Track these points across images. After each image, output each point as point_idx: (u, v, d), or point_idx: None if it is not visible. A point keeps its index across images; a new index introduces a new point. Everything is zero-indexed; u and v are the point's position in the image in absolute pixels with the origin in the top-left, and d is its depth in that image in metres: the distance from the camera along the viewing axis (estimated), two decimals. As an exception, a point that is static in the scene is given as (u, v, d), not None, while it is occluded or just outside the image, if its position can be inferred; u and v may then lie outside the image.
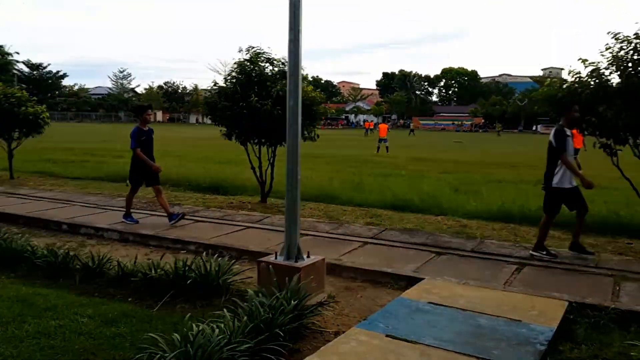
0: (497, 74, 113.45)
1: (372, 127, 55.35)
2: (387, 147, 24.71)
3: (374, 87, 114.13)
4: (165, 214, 7.80)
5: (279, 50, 9.03)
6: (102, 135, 37.34)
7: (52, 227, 7.76)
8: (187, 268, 4.97)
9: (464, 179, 13.50)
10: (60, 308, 4.43)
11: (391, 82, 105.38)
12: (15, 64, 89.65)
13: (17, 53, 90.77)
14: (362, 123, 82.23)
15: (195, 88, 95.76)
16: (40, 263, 5.52)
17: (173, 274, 4.96)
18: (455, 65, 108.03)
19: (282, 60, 8.68)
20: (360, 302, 4.90)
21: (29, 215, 8.14)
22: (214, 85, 8.91)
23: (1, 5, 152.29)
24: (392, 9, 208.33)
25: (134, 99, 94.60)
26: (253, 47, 8.57)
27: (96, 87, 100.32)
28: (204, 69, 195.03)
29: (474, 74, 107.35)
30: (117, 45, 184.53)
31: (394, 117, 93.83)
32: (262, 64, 8.56)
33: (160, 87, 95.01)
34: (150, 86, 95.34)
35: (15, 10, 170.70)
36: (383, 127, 26.86)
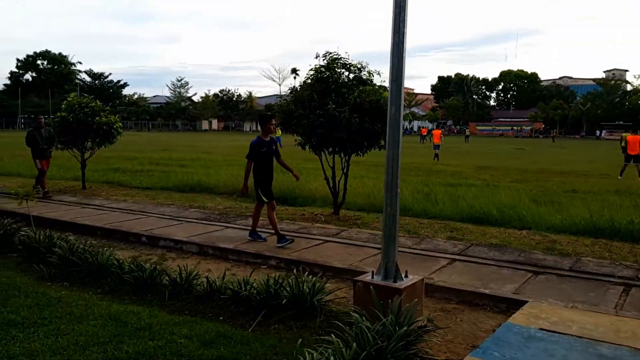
0: (558, 77, 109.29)
1: (425, 133, 54.43)
2: (437, 155, 24.21)
3: (429, 91, 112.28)
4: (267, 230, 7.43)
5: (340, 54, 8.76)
6: (161, 144, 38.45)
7: (131, 240, 7.83)
8: (278, 286, 4.80)
9: (539, 188, 12.85)
10: (155, 327, 4.35)
11: (447, 86, 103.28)
12: (78, 74, 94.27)
13: (80, 63, 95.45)
14: (416, 129, 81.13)
15: (249, 96, 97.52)
16: (128, 278, 5.50)
17: (264, 292, 4.80)
18: (514, 68, 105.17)
19: (359, 66, 8.48)
20: (462, 327, 4.58)
21: (108, 227, 8.26)
22: (291, 92, 8.79)
23: (62, 15, 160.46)
24: (447, 10, 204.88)
25: (190, 107, 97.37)
26: (330, 53, 8.41)
27: (154, 96, 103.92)
28: (258, 76, 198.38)
29: (533, 77, 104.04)
30: (173, 54, 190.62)
31: (449, 122, 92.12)
32: (339, 70, 8.38)
33: (215, 95, 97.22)
34: (206, 94, 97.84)
35: (74, 19, 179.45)
36: (437, 133, 26.24)
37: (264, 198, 7.37)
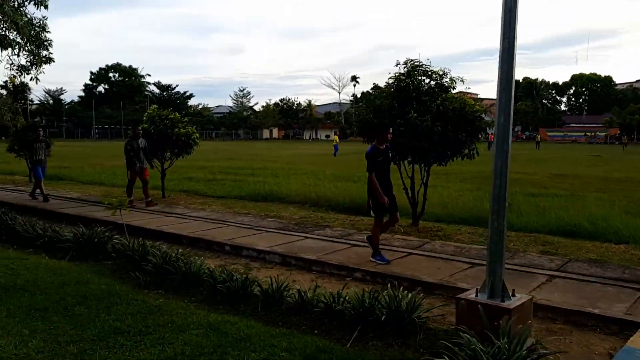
0: (635, 80, 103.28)
1: (493, 140, 52.79)
2: None
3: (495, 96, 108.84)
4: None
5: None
6: (227, 153, 39.39)
7: (215, 248, 7.97)
8: (374, 301, 4.70)
9: (628, 199, 12.08)
10: (254, 339, 4.35)
11: (515, 91, 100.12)
12: (147, 86, 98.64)
13: (149, 75, 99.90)
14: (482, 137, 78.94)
15: (309, 104, 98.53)
16: (221, 288, 5.56)
17: (359, 306, 4.71)
18: (586, 71, 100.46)
19: (440, 73, 8.29)
20: (574, 350, 4.30)
21: (192, 236, 8.46)
22: (370, 99, 8.71)
23: (131, 30, 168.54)
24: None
25: (252, 116, 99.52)
26: (411, 60, 8.27)
27: (218, 106, 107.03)
28: (317, 85, 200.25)
29: (607, 80, 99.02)
30: (236, 64, 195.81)
31: (517, 128, 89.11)
32: (419, 78, 8.22)
33: (276, 104, 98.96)
34: (267, 103, 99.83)
35: (143, 33, 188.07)
36: None
37: (372, 213, 6.93)
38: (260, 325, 4.75)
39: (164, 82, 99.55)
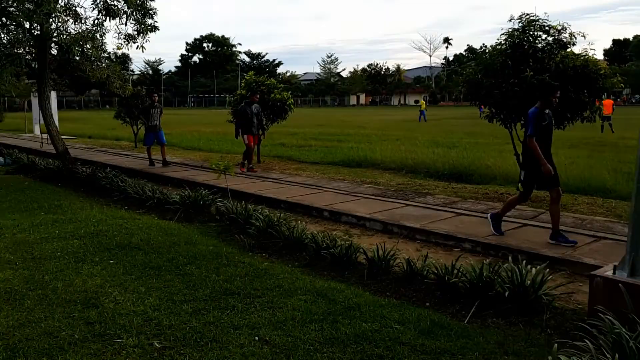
0: None
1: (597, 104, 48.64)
2: (611, 126, 22.26)
3: (601, 56, 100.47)
4: (550, 226, 5.96)
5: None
6: (315, 119, 39.45)
7: (314, 214, 7.91)
8: (493, 275, 4.36)
9: None
10: (363, 308, 4.20)
11: (624, 51, 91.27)
12: (238, 55, 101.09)
13: (240, 44, 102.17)
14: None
15: (398, 69, 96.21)
16: (325, 254, 5.46)
17: (475, 280, 4.39)
18: None
19: (559, 28, 7.49)
20: None
21: (290, 201, 8.45)
22: (481, 57, 8.09)
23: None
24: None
25: (339, 82, 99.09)
26: (527, 15, 7.53)
27: (305, 74, 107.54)
28: (406, 49, 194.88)
29: None
30: (323, 31, 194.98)
31: (626, 91, 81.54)
32: (536, 33, 7.47)
33: (363, 69, 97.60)
34: (354, 69, 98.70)
35: (234, 3, 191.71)
36: (608, 103, 22.97)
37: (519, 187, 6.14)
38: (368, 295, 4.59)
39: (254, 50, 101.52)
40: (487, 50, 8.03)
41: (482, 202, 8.02)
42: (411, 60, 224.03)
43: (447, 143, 16.51)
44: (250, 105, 11.61)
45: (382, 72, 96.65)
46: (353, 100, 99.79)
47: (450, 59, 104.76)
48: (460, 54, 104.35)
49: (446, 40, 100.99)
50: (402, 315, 4.08)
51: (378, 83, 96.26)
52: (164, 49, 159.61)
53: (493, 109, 7.83)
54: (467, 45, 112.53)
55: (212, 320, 3.89)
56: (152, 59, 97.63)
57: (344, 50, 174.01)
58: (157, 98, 13.26)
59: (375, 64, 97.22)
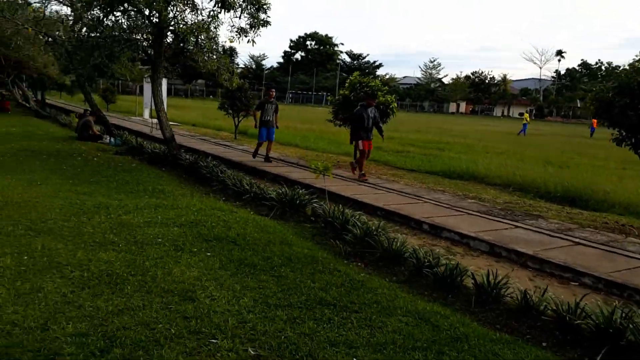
0: None
1: None
2: None
3: None
4: None
5: None
6: (412, 124, 38.70)
7: (412, 225, 7.50)
8: (628, 321, 3.77)
9: None
10: (471, 340, 3.78)
11: None
12: (339, 54, 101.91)
13: (342, 44, 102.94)
14: None
15: (504, 78, 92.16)
16: (427, 272, 5.08)
17: (604, 324, 3.82)
18: None
19: None
20: None
21: (387, 209, 8.09)
22: (614, 74, 7.28)
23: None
24: None
25: (439, 88, 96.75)
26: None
27: (404, 77, 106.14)
28: (515, 58, 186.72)
29: None
30: (425, 34, 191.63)
31: None
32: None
33: (467, 77, 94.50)
34: (457, 76, 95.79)
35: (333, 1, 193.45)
36: None
37: None
38: (476, 325, 4.16)
39: (355, 51, 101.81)
40: (618, 68, 7.19)
41: (602, 232, 7.20)
42: (519, 70, 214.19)
43: (558, 162, 15.31)
44: (366, 109, 10.95)
45: (487, 81, 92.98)
46: (452, 107, 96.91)
47: (562, 72, 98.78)
48: (573, 68, 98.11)
49: (559, 52, 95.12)
50: (517, 354, 3.62)
51: (481, 92, 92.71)
52: (266, 44, 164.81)
53: (623, 132, 6.97)
54: (582, 60, 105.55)
55: (308, 332, 3.66)
56: (256, 53, 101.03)
57: (447, 55, 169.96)
58: (274, 93, 12.96)
59: (480, 71, 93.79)
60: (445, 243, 6.78)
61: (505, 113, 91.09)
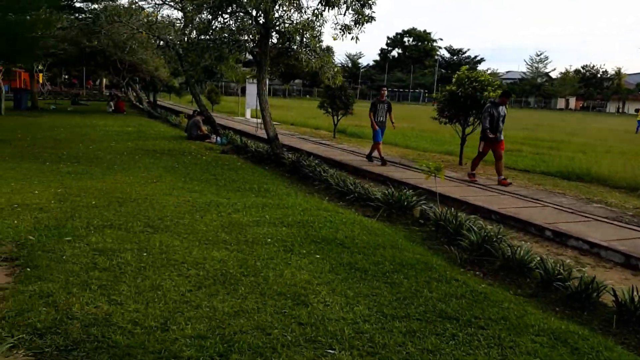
0: None
1: None
2: None
3: None
4: None
5: None
6: (518, 121, 36.53)
7: (531, 231, 6.90)
8: None
9: None
10: (620, 370, 3.28)
11: None
12: (438, 50, 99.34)
13: (441, 39, 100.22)
14: None
15: (618, 72, 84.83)
16: (558, 285, 4.57)
17: None
18: None
19: None
20: None
21: (503, 212, 7.53)
22: None
23: None
24: None
25: (546, 83, 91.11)
26: None
27: (507, 72, 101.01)
28: (630, 49, 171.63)
29: None
30: (530, 27, 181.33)
31: None
32: None
33: (577, 70, 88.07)
34: (566, 70, 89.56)
35: None
36: None
37: None
38: (620, 349, 3.63)
39: (455, 46, 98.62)
40: None
41: None
42: (636, 63, 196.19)
43: None
44: (496, 107, 10.15)
45: (599, 75, 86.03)
46: (561, 103, 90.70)
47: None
48: None
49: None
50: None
51: (593, 87, 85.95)
52: (363, 42, 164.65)
53: None
54: None
55: (431, 349, 3.36)
56: (352, 52, 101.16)
57: (555, 48, 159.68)
58: (385, 92, 12.41)
59: (592, 65, 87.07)
60: (573, 252, 6.14)
61: (620, 109, 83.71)
